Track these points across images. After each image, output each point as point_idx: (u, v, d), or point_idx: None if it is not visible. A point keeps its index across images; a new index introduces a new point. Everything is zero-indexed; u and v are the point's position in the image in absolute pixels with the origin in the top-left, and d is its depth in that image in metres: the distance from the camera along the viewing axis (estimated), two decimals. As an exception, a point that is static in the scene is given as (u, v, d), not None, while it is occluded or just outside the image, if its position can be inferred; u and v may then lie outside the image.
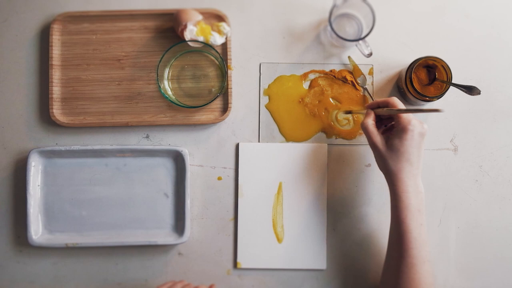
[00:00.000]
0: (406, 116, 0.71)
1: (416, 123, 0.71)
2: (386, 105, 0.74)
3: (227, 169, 0.84)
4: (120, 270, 0.84)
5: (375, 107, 0.76)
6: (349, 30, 0.85)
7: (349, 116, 0.84)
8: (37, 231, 0.82)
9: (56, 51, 0.84)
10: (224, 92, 0.84)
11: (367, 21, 0.82)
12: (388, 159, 0.72)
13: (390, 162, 0.71)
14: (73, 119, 0.84)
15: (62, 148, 0.82)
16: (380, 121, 0.77)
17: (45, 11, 0.86)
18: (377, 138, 0.73)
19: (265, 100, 0.85)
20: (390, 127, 0.77)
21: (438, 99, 0.78)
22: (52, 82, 0.84)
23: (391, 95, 0.85)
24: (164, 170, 0.84)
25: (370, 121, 0.74)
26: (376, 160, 0.75)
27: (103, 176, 0.83)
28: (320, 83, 0.85)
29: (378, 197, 0.84)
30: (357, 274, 0.82)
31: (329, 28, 0.81)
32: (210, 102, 0.82)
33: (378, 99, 0.77)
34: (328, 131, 0.84)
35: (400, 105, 0.74)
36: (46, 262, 0.84)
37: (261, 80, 0.85)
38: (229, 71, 0.84)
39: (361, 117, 0.84)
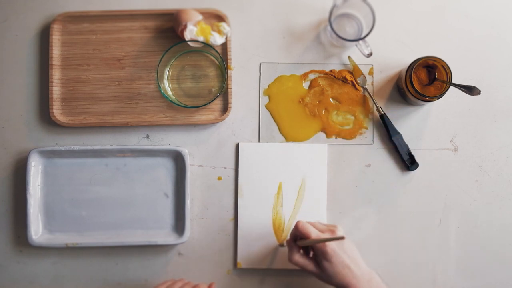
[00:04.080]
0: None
1: (331, 242, 0.72)
2: (296, 231, 0.74)
3: (227, 169, 0.84)
4: (120, 270, 0.84)
5: (294, 239, 0.76)
6: (349, 30, 0.85)
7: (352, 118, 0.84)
8: (37, 231, 0.82)
9: (56, 51, 0.84)
10: (224, 92, 0.84)
11: (367, 21, 0.82)
12: (329, 277, 0.73)
13: (332, 279, 0.73)
14: (73, 119, 0.84)
15: (62, 148, 0.82)
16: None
17: (45, 11, 0.86)
18: (311, 266, 0.74)
19: (265, 100, 0.85)
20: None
21: (438, 99, 0.78)
22: (52, 82, 0.84)
23: (391, 95, 0.85)
24: (164, 170, 0.84)
25: (297, 255, 0.75)
26: (319, 280, 0.74)
27: (103, 176, 0.83)
28: (320, 83, 0.85)
29: (378, 197, 0.84)
30: (357, 274, 0.82)
31: (329, 28, 0.81)
32: (210, 102, 0.82)
33: (292, 230, 0.76)
34: (328, 131, 0.84)
35: (307, 227, 0.73)
36: (46, 262, 0.84)
37: (261, 80, 0.85)
38: (229, 71, 0.84)
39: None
